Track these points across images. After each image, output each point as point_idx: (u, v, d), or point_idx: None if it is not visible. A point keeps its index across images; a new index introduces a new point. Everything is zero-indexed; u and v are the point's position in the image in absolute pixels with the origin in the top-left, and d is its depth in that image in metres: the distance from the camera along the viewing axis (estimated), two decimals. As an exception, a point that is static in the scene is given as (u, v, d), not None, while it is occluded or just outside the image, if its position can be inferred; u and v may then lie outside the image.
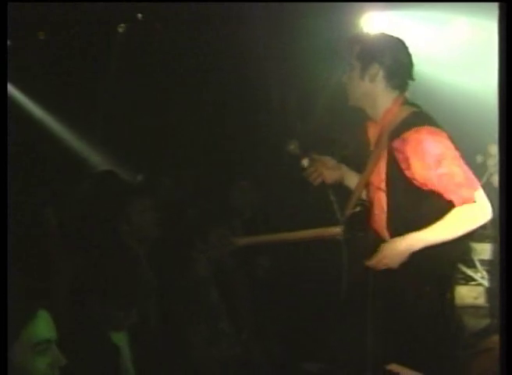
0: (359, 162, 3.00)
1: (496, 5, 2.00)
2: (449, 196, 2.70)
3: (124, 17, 7.61)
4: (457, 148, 2.76)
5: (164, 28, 7.55)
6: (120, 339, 2.71)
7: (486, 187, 3.00)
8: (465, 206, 2.67)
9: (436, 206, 2.73)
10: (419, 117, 2.80)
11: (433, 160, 2.68)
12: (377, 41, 2.91)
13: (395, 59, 2.84)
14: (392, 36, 2.93)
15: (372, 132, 3.01)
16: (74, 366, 2.05)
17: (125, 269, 2.74)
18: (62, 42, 7.51)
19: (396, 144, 2.74)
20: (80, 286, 2.79)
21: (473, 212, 2.69)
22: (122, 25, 7.68)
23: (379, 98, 2.87)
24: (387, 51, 2.83)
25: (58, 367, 1.88)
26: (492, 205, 2.67)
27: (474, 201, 2.67)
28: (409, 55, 2.88)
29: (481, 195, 2.70)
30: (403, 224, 2.78)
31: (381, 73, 2.83)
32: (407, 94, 2.91)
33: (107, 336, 2.64)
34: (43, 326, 1.85)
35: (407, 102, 2.87)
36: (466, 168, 2.73)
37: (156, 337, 3.20)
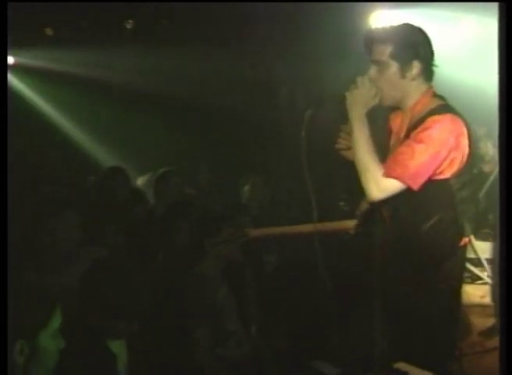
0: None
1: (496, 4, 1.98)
2: (389, 159, 2.65)
3: (132, 13, 7.62)
4: (469, 142, 2.71)
5: (171, 24, 7.56)
6: (118, 347, 2.63)
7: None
8: (380, 171, 2.62)
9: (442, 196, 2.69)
10: (446, 109, 2.74)
11: (422, 137, 2.62)
12: (409, 36, 2.77)
13: (429, 52, 2.79)
14: (415, 27, 2.82)
15: (396, 122, 2.92)
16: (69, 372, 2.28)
17: (130, 280, 2.61)
18: (69, 38, 7.52)
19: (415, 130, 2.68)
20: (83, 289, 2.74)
21: (376, 180, 2.62)
22: (129, 21, 7.70)
23: (414, 92, 2.80)
24: (421, 45, 2.76)
25: None
26: None
27: (384, 178, 2.60)
28: (430, 41, 2.80)
29: (394, 184, 2.61)
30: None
31: (421, 70, 2.76)
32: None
33: (104, 343, 2.56)
34: None
35: (435, 95, 2.83)
36: (429, 167, 2.62)
37: (159, 340, 3.15)
